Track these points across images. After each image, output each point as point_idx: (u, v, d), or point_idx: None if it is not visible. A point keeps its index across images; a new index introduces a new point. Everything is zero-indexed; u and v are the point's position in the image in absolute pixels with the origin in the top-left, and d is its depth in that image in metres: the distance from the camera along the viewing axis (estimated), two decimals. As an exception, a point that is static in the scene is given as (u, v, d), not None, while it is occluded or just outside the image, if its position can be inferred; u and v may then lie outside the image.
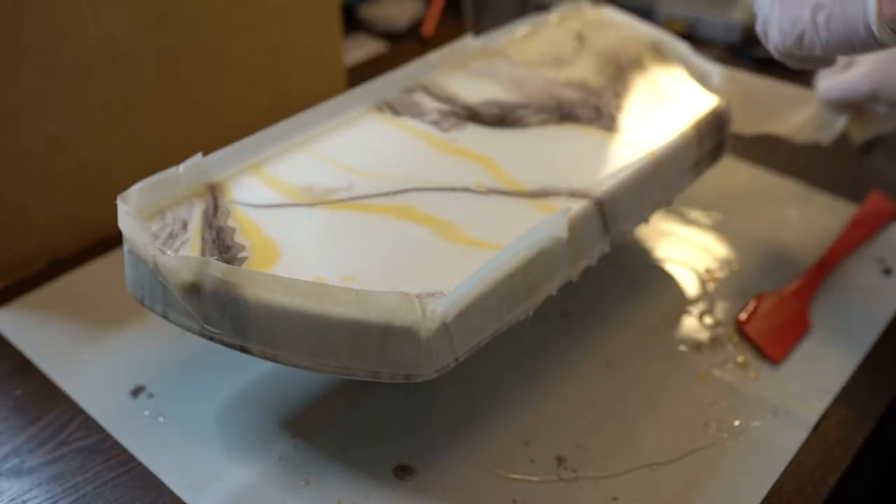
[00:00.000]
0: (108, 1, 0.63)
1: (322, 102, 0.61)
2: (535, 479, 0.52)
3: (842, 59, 0.64)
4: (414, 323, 0.44)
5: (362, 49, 0.98)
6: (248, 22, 0.73)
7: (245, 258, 0.49)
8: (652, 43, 0.72)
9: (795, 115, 0.68)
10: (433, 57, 0.67)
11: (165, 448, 0.54)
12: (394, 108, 0.63)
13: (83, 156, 0.66)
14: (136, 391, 0.57)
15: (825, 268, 0.68)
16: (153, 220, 0.52)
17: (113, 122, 0.67)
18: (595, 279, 0.59)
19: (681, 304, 0.65)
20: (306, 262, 0.49)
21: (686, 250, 0.70)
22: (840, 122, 0.67)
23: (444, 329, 0.45)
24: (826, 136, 0.68)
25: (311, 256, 0.49)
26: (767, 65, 0.94)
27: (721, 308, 0.64)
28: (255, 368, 0.58)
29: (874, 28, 0.45)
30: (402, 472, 0.52)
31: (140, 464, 0.53)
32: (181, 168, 0.54)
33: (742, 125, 0.67)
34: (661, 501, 0.51)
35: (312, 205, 0.53)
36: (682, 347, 0.61)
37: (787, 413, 0.56)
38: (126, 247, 0.50)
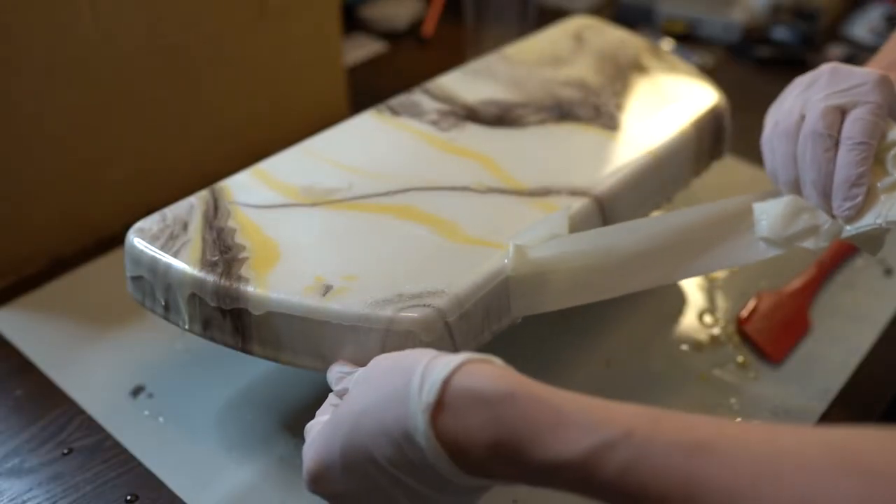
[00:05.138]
0: (109, 1, 0.63)
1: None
2: (535, 478, 0.52)
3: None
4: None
5: (362, 49, 0.98)
6: (248, 21, 0.73)
7: (246, 258, 0.48)
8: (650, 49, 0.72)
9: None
10: None
11: (165, 448, 0.53)
12: (393, 108, 0.62)
13: (83, 155, 0.66)
14: (137, 391, 0.57)
15: (825, 268, 0.68)
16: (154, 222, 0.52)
17: (112, 121, 0.67)
18: (595, 279, 0.59)
19: (681, 303, 0.65)
20: (307, 262, 0.49)
21: (686, 250, 0.69)
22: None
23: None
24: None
25: (311, 256, 0.49)
26: (767, 64, 0.94)
27: (721, 308, 0.64)
28: (255, 368, 0.58)
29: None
30: (403, 471, 0.52)
31: (140, 464, 0.52)
32: None
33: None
34: (661, 501, 0.51)
35: (313, 205, 0.53)
36: (683, 347, 0.61)
37: (788, 413, 0.56)
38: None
